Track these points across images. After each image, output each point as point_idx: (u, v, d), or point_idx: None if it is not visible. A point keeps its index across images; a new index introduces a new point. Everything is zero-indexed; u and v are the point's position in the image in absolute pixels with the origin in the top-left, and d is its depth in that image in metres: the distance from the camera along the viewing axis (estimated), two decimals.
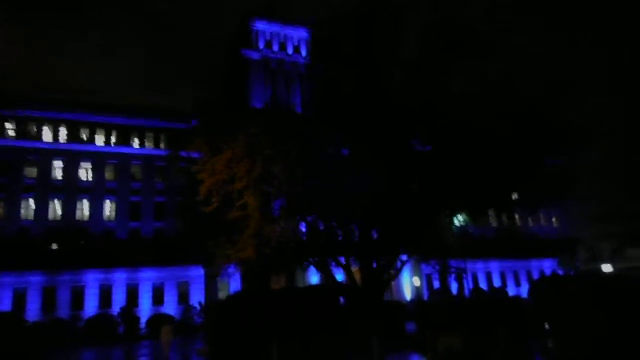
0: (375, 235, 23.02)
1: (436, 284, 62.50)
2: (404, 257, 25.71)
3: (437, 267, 54.96)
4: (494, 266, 68.22)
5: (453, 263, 60.92)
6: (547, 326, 24.11)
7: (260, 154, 18.38)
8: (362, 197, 19.91)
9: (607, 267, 70.94)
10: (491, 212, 73.30)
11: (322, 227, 22.62)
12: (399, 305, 30.33)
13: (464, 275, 55.76)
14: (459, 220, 26.58)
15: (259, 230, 18.91)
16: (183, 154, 24.73)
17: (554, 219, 74.96)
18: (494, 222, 72.93)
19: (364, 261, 23.40)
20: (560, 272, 55.12)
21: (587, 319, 21.04)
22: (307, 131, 20.18)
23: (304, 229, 22.72)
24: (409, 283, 52.47)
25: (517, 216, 74.48)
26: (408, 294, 51.51)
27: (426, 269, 57.99)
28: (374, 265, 23.73)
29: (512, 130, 20.08)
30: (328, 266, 23.72)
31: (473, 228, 71.12)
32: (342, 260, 23.83)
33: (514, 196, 26.96)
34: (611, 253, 53.96)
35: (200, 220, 21.65)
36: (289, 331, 21.13)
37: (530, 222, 74.35)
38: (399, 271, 26.29)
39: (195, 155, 20.87)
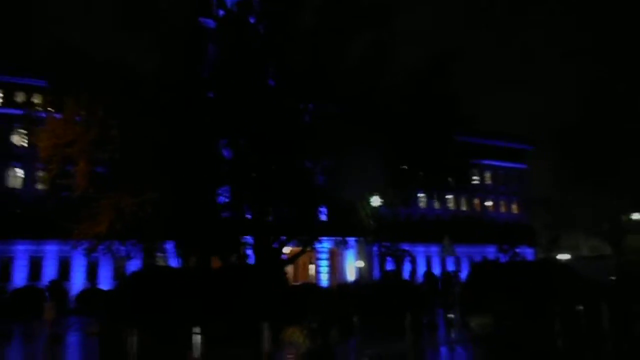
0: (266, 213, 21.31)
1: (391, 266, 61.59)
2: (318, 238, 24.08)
3: (382, 249, 53.97)
4: None
5: (405, 246, 59.93)
6: (451, 316, 22.82)
7: (95, 115, 16.44)
8: (238, 171, 18.17)
9: (564, 256, 70.74)
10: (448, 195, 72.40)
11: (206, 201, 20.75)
12: (313, 289, 28.62)
13: (407, 258, 54.81)
14: (370, 201, 24.81)
15: (116, 202, 17.05)
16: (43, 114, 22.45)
17: (513, 206, 74.21)
18: (452, 206, 72.08)
19: (257, 241, 21.67)
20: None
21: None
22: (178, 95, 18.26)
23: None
24: (353, 265, 51.17)
25: (476, 201, 73.78)
26: (352, 276, 50.24)
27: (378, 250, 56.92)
28: (269, 244, 22.05)
29: (406, 105, 18.45)
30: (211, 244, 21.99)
31: (427, 211, 70.31)
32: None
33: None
34: (549, 241, 53.23)
35: (62, 190, 19.65)
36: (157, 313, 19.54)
37: (490, 208, 73.51)
38: (302, 252, 24.60)
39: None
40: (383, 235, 39.49)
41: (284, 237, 22.91)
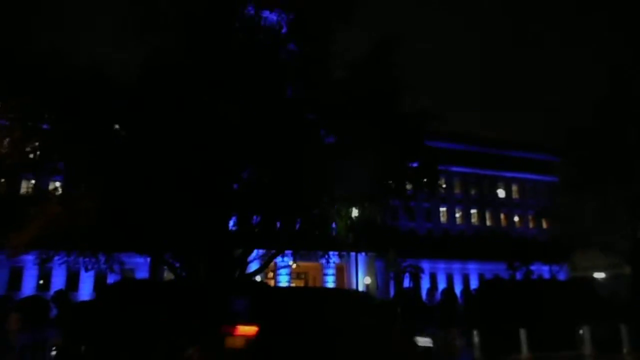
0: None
1: (407, 283, 59.03)
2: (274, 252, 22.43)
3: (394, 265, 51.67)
4: (472, 268, 64.05)
5: (425, 263, 57.24)
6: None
7: (16, 113, 15.38)
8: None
9: (599, 275, 65.96)
10: (474, 210, 69.05)
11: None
12: None
13: (425, 275, 52.25)
14: (347, 212, 22.95)
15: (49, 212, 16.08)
16: None
17: (543, 220, 70.13)
18: (476, 221, 68.83)
19: (208, 254, 20.22)
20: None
21: None
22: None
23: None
24: (362, 281, 49.05)
25: (502, 216, 70.17)
26: None
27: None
28: (223, 259, 20.58)
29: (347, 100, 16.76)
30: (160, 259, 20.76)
31: (449, 226, 67.21)
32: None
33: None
34: (563, 258, 49.52)
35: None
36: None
37: (517, 223, 69.77)
38: (264, 266, 22.97)
39: None
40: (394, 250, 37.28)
41: (244, 249, 21.44)
